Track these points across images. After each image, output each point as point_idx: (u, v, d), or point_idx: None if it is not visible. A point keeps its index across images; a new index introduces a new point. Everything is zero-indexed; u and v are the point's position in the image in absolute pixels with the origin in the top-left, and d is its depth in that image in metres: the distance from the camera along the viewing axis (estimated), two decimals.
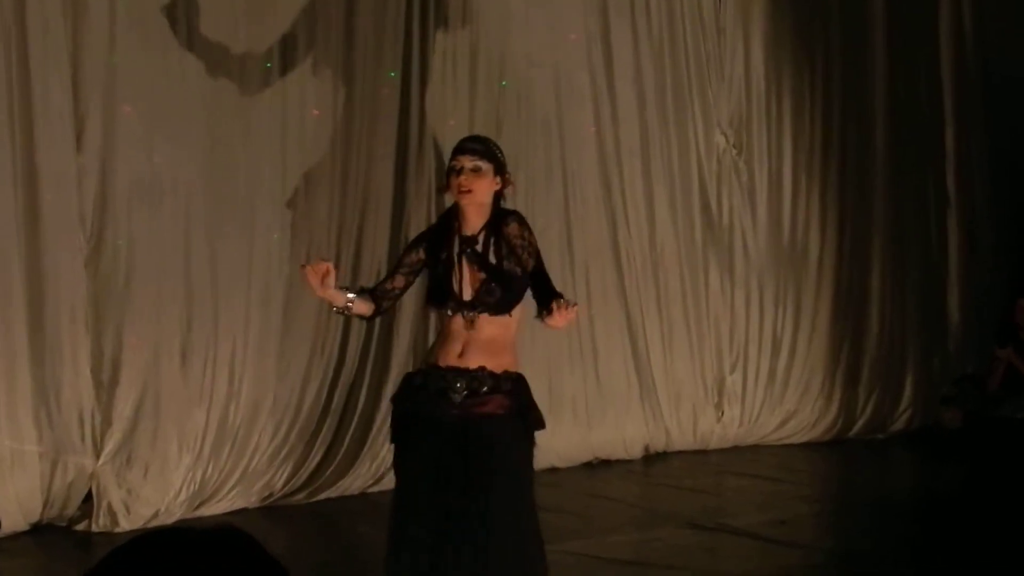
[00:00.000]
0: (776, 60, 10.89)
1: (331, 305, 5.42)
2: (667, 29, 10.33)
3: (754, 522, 8.24)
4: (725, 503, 9.14)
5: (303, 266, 5.32)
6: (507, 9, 9.47)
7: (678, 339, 10.42)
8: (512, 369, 5.25)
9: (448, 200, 5.54)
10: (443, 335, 5.32)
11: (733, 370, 10.74)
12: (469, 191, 5.24)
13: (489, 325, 5.20)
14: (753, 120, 10.82)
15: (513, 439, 5.19)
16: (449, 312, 5.27)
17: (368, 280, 8.76)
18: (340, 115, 8.73)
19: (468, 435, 5.12)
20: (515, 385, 5.24)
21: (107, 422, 7.92)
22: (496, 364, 5.20)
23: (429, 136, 9.05)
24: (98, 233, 7.87)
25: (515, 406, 5.21)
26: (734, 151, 10.73)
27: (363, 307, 5.40)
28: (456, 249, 5.29)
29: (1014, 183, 11.82)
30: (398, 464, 5.36)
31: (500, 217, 5.30)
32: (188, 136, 8.12)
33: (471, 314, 5.19)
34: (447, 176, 5.36)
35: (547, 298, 5.08)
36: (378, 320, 8.81)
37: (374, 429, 8.87)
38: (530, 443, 5.28)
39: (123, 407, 7.94)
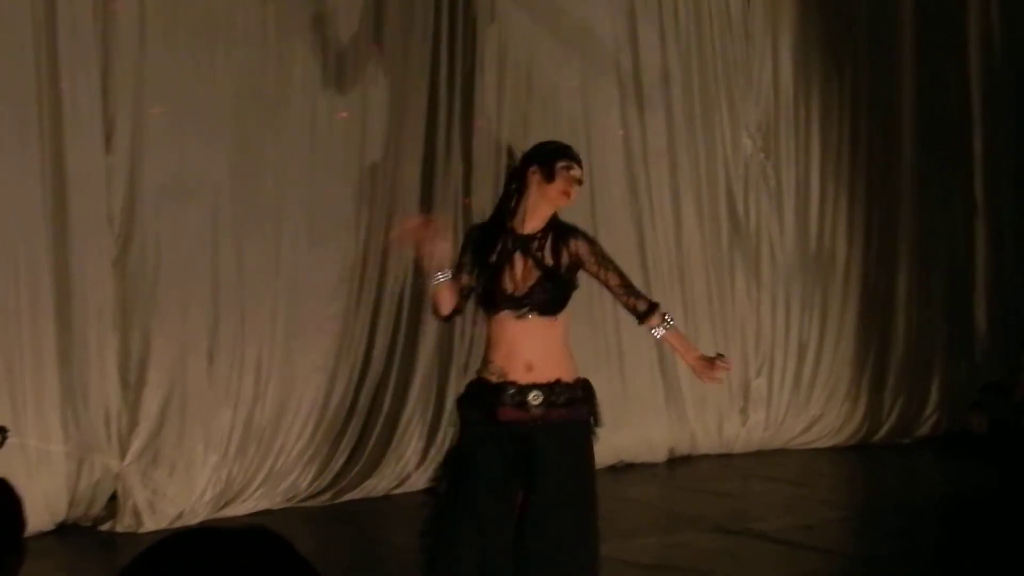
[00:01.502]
0: (804, 65, 10.86)
1: (423, 264, 5.37)
2: (695, 33, 10.31)
3: (779, 526, 8.22)
4: (750, 507, 9.11)
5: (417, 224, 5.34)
6: (535, 11, 9.47)
7: (703, 342, 10.36)
8: (579, 375, 5.31)
9: (534, 195, 5.42)
10: (500, 344, 5.26)
11: (759, 374, 10.72)
12: (571, 200, 5.33)
13: (539, 326, 5.21)
14: (780, 125, 10.80)
15: (585, 445, 5.27)
16: (499, 310, 5.27)
17: (396, 284, 8.81)
18: (368, 117, 8.74)
19: (542, 440, 5.16)
20: (585, 392, 5.30)
21: (133, 422, 7.95)
22: (567, 373, 5.25)
23: (456, 138, 9.05)
24: (126, 234, 7.90)
25: (588, 412, 5.29)
26: (761, 155, 10.71)
27: (449, 290, 5.33)
28: (509, 245, 5.31)
29: None
30: (464, 464, 5.32)
31: (562, 227, 5.35)
32: (216, 138, 8.15)
33: (522, 311, 5.20)
34: (555, 171, 5.32)
35: (637, 306, 5.35)
36: (403, 321, 8.90)
37: (399, 430, 8.89)
38: (592, 448, 5.35)
39: (149, 407, 7.97)
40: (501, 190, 5.68)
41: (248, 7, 8.25)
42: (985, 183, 11.71)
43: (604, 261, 5.36)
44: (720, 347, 10.38)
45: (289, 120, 8.43)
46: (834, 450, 10.84)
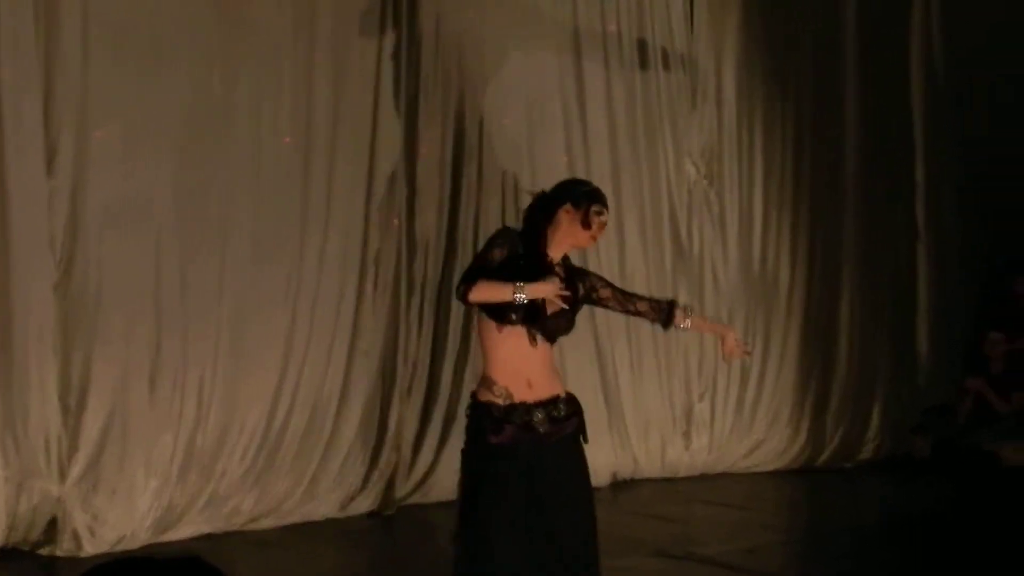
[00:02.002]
0: (748, 91, 10.93)
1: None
2: (638, 57, 10.36)
3: (722, 550, 8.23)
4: (693, 531, 9.13)
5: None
6: (480, 35, 9.48)
7: (647, 367, 10.42)
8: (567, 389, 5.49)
9: (562, 231, 5.45)
10: (499, 360, 5.33)
11: (702, 398, 10.75)
12: (595, 242, 5.62)
13: (543, 348, 5.36)
14: (724, 151, 10.86)
15: (581, 454, 5.42)
16: (509, 325, 5.28)
17: (339, 308, 8.78)
18: (313, 142, 8.72)
19: (554, 457, 5.31)
20: (576, 405, 5.47)
21: (74, 447, 7.87)
22: (561, 388, 5.45)
23: (400, 163, 9.04)
24: (68, 257, 7.83)
25: (580, 424, 5.46)
26: (705, 182, 10.76)
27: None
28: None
29: (981, 215, 11.86)
30: (489, 488, 5.32)
31: (571, 264, 5.54)
32: (160, 160, 8.09)
33: (539, 335, 5.32)
34: (590, 217, 5.45)
35: (660, 305, 5.55)
36: (347, 345, 8.87)
37: (342, 455, 8.86)
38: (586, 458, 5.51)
39: (90, 431, 7.89)
40: (523, 216, 5.70)
41: (193, 29, 8.21)
42: (927, 208, 11.82)
43: (618, 289, 5.63)
44: (663, 371, 10.46)
45: (234, 143, 8.39)
46: (777, 474, 10.89)
